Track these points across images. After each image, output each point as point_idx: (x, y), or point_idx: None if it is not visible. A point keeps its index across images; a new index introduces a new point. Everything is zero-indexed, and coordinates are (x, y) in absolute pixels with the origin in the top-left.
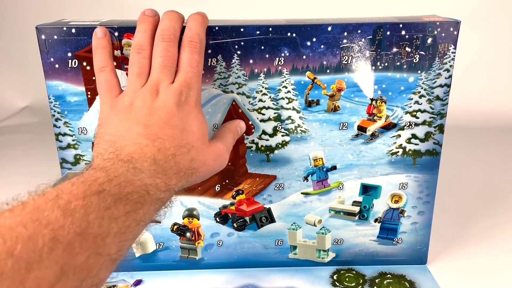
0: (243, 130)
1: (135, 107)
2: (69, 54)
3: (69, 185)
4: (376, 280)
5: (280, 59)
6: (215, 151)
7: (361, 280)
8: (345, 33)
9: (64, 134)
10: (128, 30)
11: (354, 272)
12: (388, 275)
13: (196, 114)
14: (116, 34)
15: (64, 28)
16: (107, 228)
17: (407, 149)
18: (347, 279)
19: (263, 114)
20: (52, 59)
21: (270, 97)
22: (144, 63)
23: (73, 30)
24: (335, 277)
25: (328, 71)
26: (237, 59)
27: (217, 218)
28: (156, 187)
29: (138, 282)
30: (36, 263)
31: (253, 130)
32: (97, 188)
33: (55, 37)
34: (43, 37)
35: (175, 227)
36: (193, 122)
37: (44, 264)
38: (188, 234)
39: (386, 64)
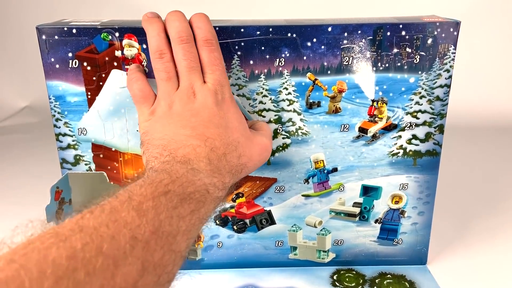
0: None
1: (175, 110)
2: (70, 54)
3: (138, 188)
4: (376, 280)
5: (281, 60)
6: (260, 146)
7: (361, 280)
8: (346, 34)
9: (64, 135)
10: (128, 30)
11: (354, 272)
12: (388, 275)
13: (234, 109)
14: (117, 34)
15: (65, 28)
16: (177, 226)
17: (407, 150)
18: (347, 279)
19: (264, 116)
20: (52, 59)
21: (270, 99)
22: (169, 66)
23: (74, 31)
24: (335, 277)
25: (329, 72)
26: (237, 60)
27: (217, 221)
28: (214, 186)
29: None
30: (121, 259)
31: None
32: (163, 189)
33: (56, 37)
34: (43, 37)
35: None
36: (234, 118)
37: (128, 261)
38: None
39: (386, 65)
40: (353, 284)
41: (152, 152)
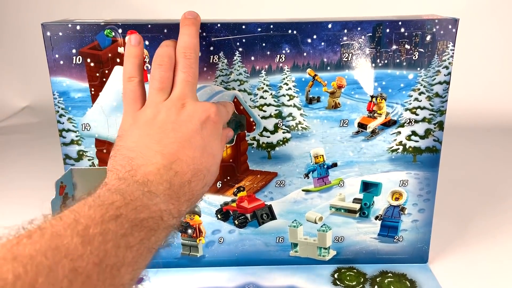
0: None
1: (158, 121)
2: (74, 51)
3: (86, 208)
4: (377, 279)
5: (281, 56)
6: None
7: (362, 279)
8: (345, 31)
9: (68, 130)
10: (131, 27)
11: (355, 270)
12: (389, 274)
13: (218, 134)
14: (120, 31)
15: (69, 25)
16: (123, 257)
17: (407, 146)
18: (348, 278)
19: (264, 111)
20: (57, 56)
21: (271, 94)
22: (165, 76)
23: (78, 27)
24: (336, 275)
25: (328, 68)
26: (238, 56)
27: (219, 215)
28: (169, 213)
29: (139, 280)
30: None
31: (254, 127)
32: (114, 212)
33: (60, 33)
34: (48, 33)
35: None
36: (215, 144)
37: None
38: (189, 231)
39: (385, 61)
40: (354, 283)
41: (117, 162)
